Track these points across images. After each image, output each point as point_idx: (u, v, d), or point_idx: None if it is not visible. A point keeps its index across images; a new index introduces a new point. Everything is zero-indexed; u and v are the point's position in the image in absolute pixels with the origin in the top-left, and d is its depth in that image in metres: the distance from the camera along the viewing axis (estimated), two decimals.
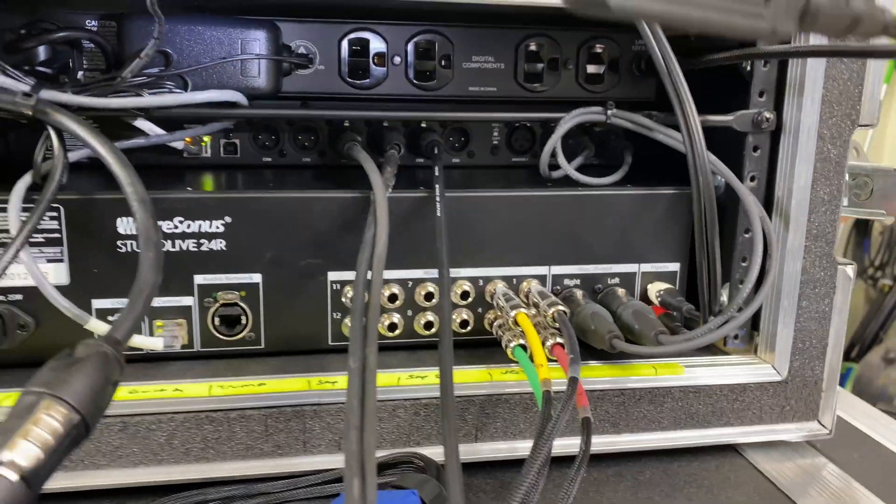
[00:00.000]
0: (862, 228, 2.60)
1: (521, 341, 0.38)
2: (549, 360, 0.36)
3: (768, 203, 0.41)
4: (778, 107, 0.40)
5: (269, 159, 0.49)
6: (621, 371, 0.40)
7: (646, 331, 0.38)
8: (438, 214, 0.38)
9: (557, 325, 0.38)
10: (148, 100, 0.37)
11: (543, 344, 0.37)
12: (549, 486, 0.38)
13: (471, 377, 0.39)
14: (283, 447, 0.37)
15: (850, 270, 0.42)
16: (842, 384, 1.73)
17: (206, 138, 0.47)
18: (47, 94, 0.36)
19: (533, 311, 0.39)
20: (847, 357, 2.45)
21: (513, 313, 0.38)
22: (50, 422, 0.24)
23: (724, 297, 0.44)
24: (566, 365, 0.35)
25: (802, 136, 0.39)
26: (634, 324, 0.39)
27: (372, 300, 0.32)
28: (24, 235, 0.33)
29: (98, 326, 0.36)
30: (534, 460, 0.29)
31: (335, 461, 0.38)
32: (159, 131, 0.41)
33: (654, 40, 0.33)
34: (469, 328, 0.42)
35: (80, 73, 0.42)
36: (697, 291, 0.42)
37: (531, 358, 0.36)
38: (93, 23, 0.42)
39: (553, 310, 0.38)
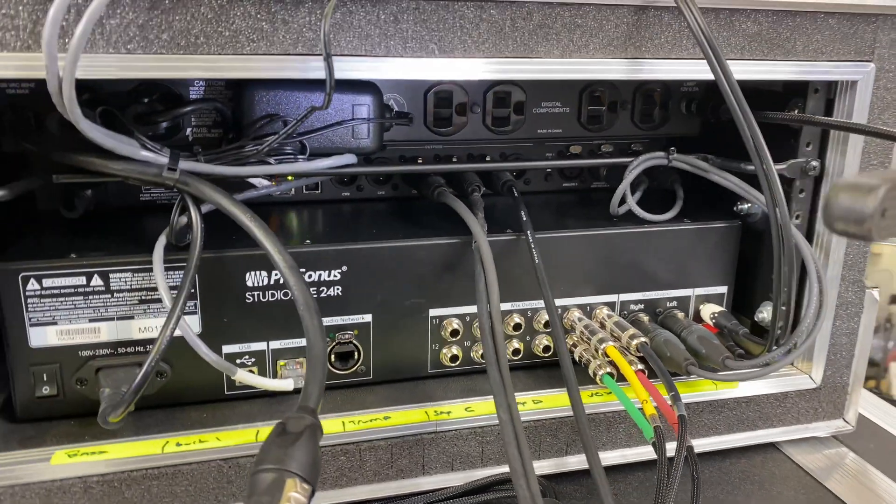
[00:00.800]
0: None
1: (609, 370, 0.44)
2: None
3: (809, 237, 0.47)
4: (821, 154, 0.46)
5: (348, 193, 0.52)
6: (688, 387, 0.46)
7: (713, 356, 0.44)
8: (537, 261, 0.43)
9: (641, 353, 0.44)
10: (278, 168, 0.40)
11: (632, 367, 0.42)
12: (635, 486, 0.44)
13: (563, 401, 0.44)
14: (405, 471, 0.42)
15: (876, 294, 0.48)
16: None
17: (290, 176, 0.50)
18: (186, 164, 0.38)
19: (613, 341, 0.45)
20: None
21: (602, 346, 0.43)
22: (299, 497, 0.28)
23: (765, 314, 0.50)
24: (659, 398, 0.40)
25: None
26: (701, 348, 0.45)
27: (499, 351, 0.37)
28: (180, 307, 0.37)
29: (244, 377, 0.40)
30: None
31: (450, 479, 0.43)
32: (267, 183, 0.44)
33: (742, 115, 0.37)
34: (550, 353, 0.47)
35: (188, 131, 0.44)
36: (743, 308, 0.49)
37: (624, 384, 0.42)
38: (200, 84, 0.44)
39: (636, 342, 0.44)
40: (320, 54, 0.34)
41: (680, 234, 0.48)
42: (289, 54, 0.35)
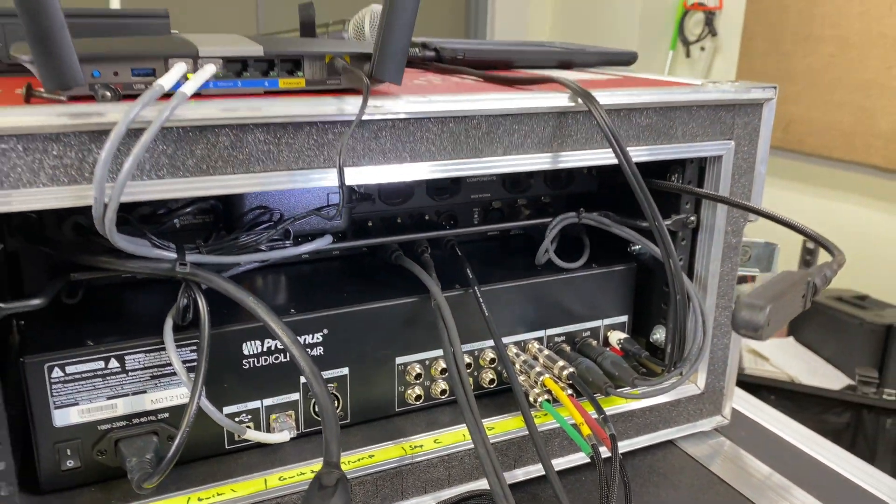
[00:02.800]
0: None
1: (546, 397, 0.54)
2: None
3: (689, 275, 0.59)
4: (697, 210, 0.58)
5: (307, 256, 0.59)
6: (603, 402, 0.57)
7: (625, 378, 0.55)
8: (486, 314, 0.52)
9: (570, 381, 0.54)
10: (271, 254, 0.47)
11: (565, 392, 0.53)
12: (571, 486, 0.54)
13: (514, 424, 0.54)
14: (387, 499, 0.50)
15: None
16: None
17: None
18: (191, 257, 0.44)
19: (548, 372, 0.54)
20: None
21: (541, 378, 0.53)
22: None
23: (658, 336, 0.62)
24: (590, 420, 0.51)
25: (716, 232, 0.57)
26: (615, 372, 0.56)
27: (466, 391, 0.46)
28: (201, 383, 0.43)
29: (251, 435, 0.47)
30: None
31: (424, 500, 0.51)
32: (250, 259, 0.51)
33: (639, 188, 0.48)
34: (494, 384, 0.57)
35: (175, 220, 0.50)
36: (638, 330, 0.60)
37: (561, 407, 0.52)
38: None
39: (566, 372, 0.54)
40: (319, 167, 0.42)
41: (590, 278, 0.59)
42: (292, 169, 0.42)
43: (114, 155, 0.36)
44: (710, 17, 2.74)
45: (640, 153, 0.52)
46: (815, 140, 2.33)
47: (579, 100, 0.48)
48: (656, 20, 2.87)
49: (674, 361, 0.56)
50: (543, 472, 0.48)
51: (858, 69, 2.18)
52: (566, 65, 0.73)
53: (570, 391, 0.53)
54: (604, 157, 0.50)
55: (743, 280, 2.52)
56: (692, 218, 0.58)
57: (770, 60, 2.45)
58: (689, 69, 2.91)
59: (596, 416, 0.51)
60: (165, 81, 0.38)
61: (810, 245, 2.49)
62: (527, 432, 0.53)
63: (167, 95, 0.37)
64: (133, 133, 0.36)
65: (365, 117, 0.42)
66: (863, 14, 2.15)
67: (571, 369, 0.54)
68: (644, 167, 0.50)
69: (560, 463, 0.56)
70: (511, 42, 0.75)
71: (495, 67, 0.69)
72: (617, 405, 0.58)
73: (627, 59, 0.75)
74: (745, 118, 0.55)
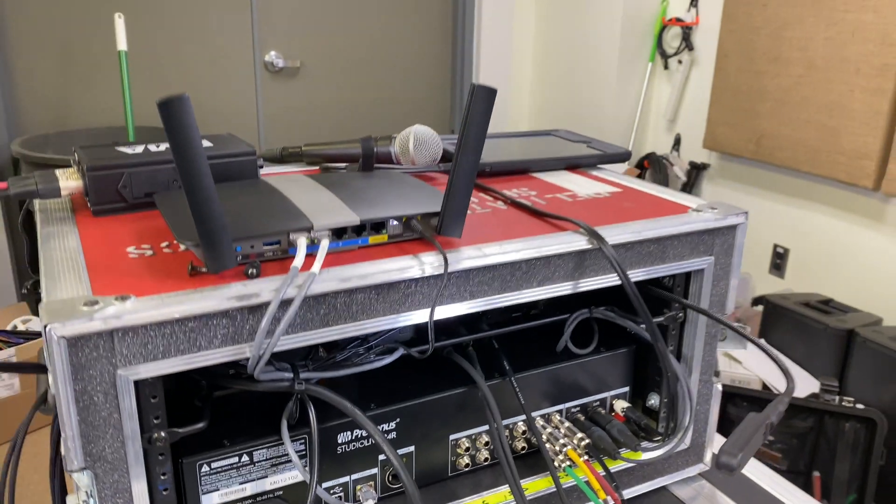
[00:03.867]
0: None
1: (569, 463, 0.68)
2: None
3: (678, 356, 0.74)
4: (685, 308, 0.73)
5: None
6: (613, 462, 0.72)
7: (629, 443, 0.70)
8: (522, 401, 0.66)
9: (587, 451, 0.68)
10: (362, 367, 0.61)
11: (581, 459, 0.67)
12: None
13: (543, 484, 0.68)
14: None
15: (719, 385, 0.76)
16: None
17: None
18: (305, 374, 0.58)
19: (569, 444, 0.69)
20: None
21: (565, 449, 0.68)
22: None
23: (653, 401, 0.77)
24: (605, 485, 0.65)
25: (698, 325, 0.72)
26: (621, 438, 0.71)
27: (509, 461, 0.61)
28: (316, 473, 0.57)
29: None
30: None
31: None
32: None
33: (639, 304, 0.62)
34: (525, 450, 0.71)
35: None
36: (637, 394, 0.75)
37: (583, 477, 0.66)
38: None
39: (583, 443, 0.68)
40: (406, 311, 0.56)
41: (599, 360, 0.73)
42: (387, 315, 0.55)
43: (269, 324, 0.49)
44: (687, 32, 2.88)
45: (639, 273, 0.66)
46: (784, 154, 2.49)
47: (594, 241, 0.62)
48: (636, 33, 3.01)
49: (668, 423, 0.71)
50: None
51: (823, 90, 2.34)
52: (573, 166, 0.87)
53: (585, 457, 0.68)
54: (612, 280, 0.65)
55: None
56: (680, 314, 0.72)
57: (743, 77, 2.60)
58: (667, 80, 3.06)
59: (604, 474, 0.66)
60: (298, 262, 0.52)
61: (780, 250, 2.67)
62: (553, 489, 0.68)
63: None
64: (281, 304, 0.50)
65: (440, 271, 0.56)
66: (828, 39, 2.31)
67: (588, 441, 0.69)
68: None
69: None
70: (525, 151, 0.89)
71: (516, 172, 0.83)
72: (621, 463, 0.72)
73: (622, 157, 0.89)
74: (722, 238, 0.70)
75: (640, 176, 3.11)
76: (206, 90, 3.08)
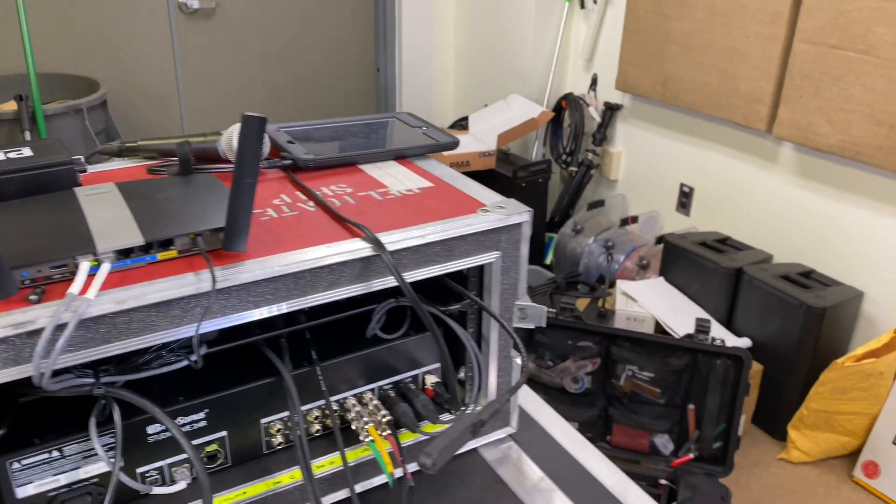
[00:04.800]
0: (556, 121, 3.22)
1: (371, 438, 0.76)
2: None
3: (478, 337, 0.82)
4: (481, 295, 0.80)
5: None
6: (426, 428, 0.80)
7: (431, 416, 0.78)
8: (323, 389, 0.74)
9: (388, 429, 0.77)
10: (161, 370, 0.67)
11: (381, 435, 0.75)
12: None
13: (351, 456, 0.77)
14: None
15: (519, 360, 0.85)
16: (546, 251, 2.44)
17: None
18: (108, 378, 0.64)
19: (373, 421, 0.77)
20: (550, 229, 3.13)
21: (365, 427, 0.76)
22: None
23: (462, 375, 0.85)
24: (396, 454, 0.74)
25: (493, 309, 0.80)
26: (423, 412, 0.79)
27: (304, 447, 0.69)
28: (118, 464, 0.64)
29: (157, 490, 0.68)
30: None
31: None
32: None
33: (418, 306, 0.69)
34: (341, 426, 0.79)
35: None
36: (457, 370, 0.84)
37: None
38: None
39: (385, 420, 0.77)
40: (186, 324, 0.62)
41: (409, 343, 0.81)
42: (168, 329, 0.61)
43: (44, 347, 0.55)
44: None
45: (429, 271, 0.73)
46: (688, 97, 2.56)
47: (376, 248, 0.68)
48: None
49: (474, 394, 0.80)
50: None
51: (723, 35, 2.40)
52: (402, 157, 0.93)
53: (388, 431, 0.76)
54: (390, 281, 0.71)
55: (626, 222, 2.78)
56: (475, 306, 0.80)
57: (652, 20, 2.64)
58: (584, 19, 3.08)
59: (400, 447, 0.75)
60: (74, 288, 0.57)
61: (686, 189, 2.78)
62: (359, 461, 0.77)
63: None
64: (57, 327, 0.56)
65: (218, 285, 0.62)
66: None
67: (389, 417, 0.77)
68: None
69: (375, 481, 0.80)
70: (352, 143, 0.93)
71: (344, 165, 0.88)
72: (432, 431, 0.81)
73: (450, 145, 0.94)
74: (508, 234, 0.77)
75: (558, 117, 3.17)
76: (119, 36, 3.01)
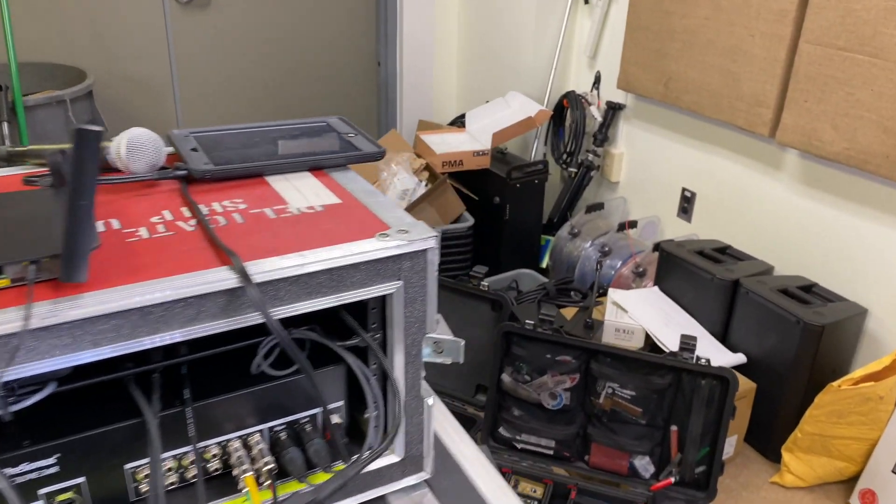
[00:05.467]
0: (558, 120, 3.11)
1: (247, 489, 0.68)
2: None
3: (383, 375, 0.73)
4: (383, 328, 0.71)
5: None
6: (315, 479, 0.72)
7: (322, 463, 0.70)
8: (192, 434, 0.66)
9: (269, 479, 0.68)
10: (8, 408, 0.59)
11: (261, 486, 0.67)
12: None
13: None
14: None
15: (431, 400, 0.76)
16: (542, 254, 2.35)
17: None
18: None
19: (252, 469, 0.69)
20: (547, 231, 3.03)
21: (242, 477, 0.68)
22: None
23: (367, 416, 0.77)
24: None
25: (396, 345, 0.71)
26: (315, 458, 0.71)
27: (159, 494, 0.61)
28: None
29: None
30: None
31: None
32: None
33: (291, 349, 0.61)
34: (220, 472, 0.71)
35: None
36: (356, 410, 0.75)
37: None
38: None
39: (266, 469, 0.68)
40: (13, 365, 0.54)
41: (300, 382, 0.73)
42: None
43: None
44: None
45: (313, 304, 0.64)
46: (689, 98, 2.45)
47: (242, 279, 0.60)
48: None
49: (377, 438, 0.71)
50: None
51: (727, 34, 2.28)
52: (317, 168, 0.84)
53: (269, 481, 0.68)
54: (277, 314, 0.63)
55: (623, 227, 2.68)
56: (378, 335, 0.71)
57: (655, 16, 2.52)
58: (588, 15, 2.97)
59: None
60: None
61: (688, 194, 2.66)
62: None
63: None
64: None
65: (46, 323, 0.54)
66: None
67: (272, 465, 0.69)
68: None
69: None
70: (265, 151, 0.85)
71: (249, 176, 0.80)
72: (316, 482, 0.73)
73: (375, 156, 0.85)
74: (411, 262, 0.68)
75: (560, 116, 3.06)
76: (112, 23, 2.95)
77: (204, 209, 0.72)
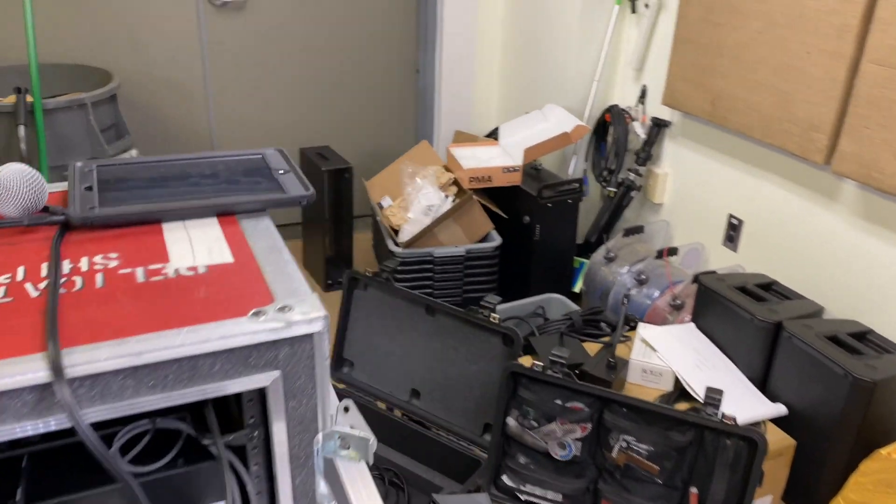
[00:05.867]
0: (601, 135, 2.94)
1: None
2: None
3: (269, 478, 0.61)
4: (265, 423, 0.58)
5: None
6: None
7: None
8: None
9: None
10: None
11: None
12: None
13: None
14: None
15: None
16: (575, 278, 2.16)
17: None
18: None
19: None
20: (582, 252, 2.86)
21: None
22: None
23: None
24: None
25: (277, 445, 0.58)
26: None
27: None
28: None
29: None
30: None
31: None
32: None
33: (98, 451, 0.49)
34: None
35: None
36: None
37: None
38: None
39: None
40: None
41: (177, 477, 0.60)
42: None
43: None
44: None
45: (158, 400, 0.52)
46: (737, 118, 2.25)
47: (53, 374, 0.48)
48: None
49: None
50: None
51: (780, 50, 2.08)
52: (228, 213, 0.72)
53: None
54: (102, 415, 0.51)
55: (661, 254, 2.50)
56: (255, 433, 0.58)
57: (704, 29, 2.33)
58: (635, 24, 2.79)
59: None
60: None
61: (734, 221, 2.47)
62: None
63: None
64: None
65: None
66: None
67: None
68: None
69: None
70: (172, 192, 0.73)
71: (144, 223, 0.68)
72: None
73: (299, 201, 0.73)
74: (291, 349, 0.55)
75: (603, 131, 2.88)
76: (144, 27, 2.92)
77: (67, 266, 0.61)
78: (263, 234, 0.68)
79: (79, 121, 2.40)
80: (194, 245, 0.66)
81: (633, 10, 2.75)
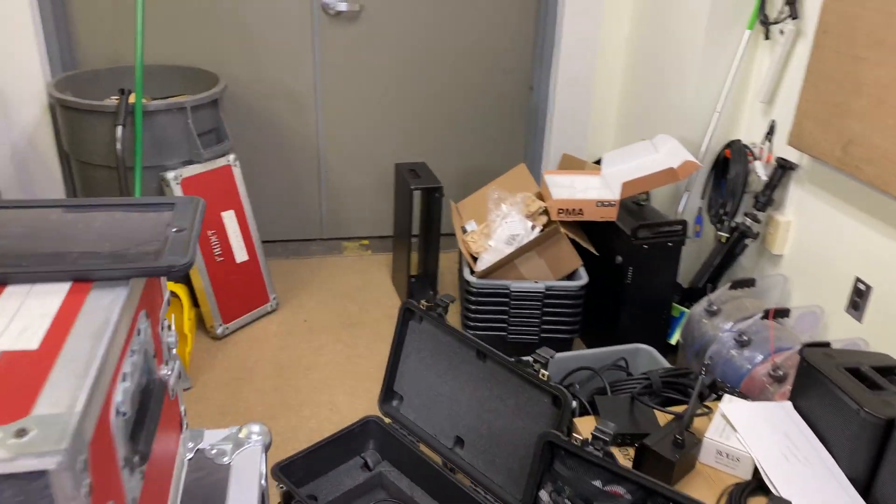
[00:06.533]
0: (721, 171, 2.66)
1: None
2: None
3: None
4: None
5: None
6: None
7: None
8: None
9: None
10: None
11: None
12: None
13: None
14: None
15: None
16: (673, 328, 1.92)
17: None
18: None
19: None
20: (686, 299, 2.60)
21: None
22: None
23: None
24: None
25: None
26: None
27: None
28: None
29: None
30: None
31: None
32: None
33: None
34: None
35: None
36: None
37: None
38: None
39: None
40: None
41: None
42: None
43: None
44: None
45: None
46: (871, 169, 1.92)
47: None
48: None
49: None
50: None
51: None
52: (83, 278, 0.62)
53: None
54: None
55: (767, 315, 2.20)
56: None
57: (842, 62, 2.02)
58: (769, 53, 2.48)
59: None
60: None
61: (861, 286, 2.14)
62: None
63: None
64: None
65: None
66: None
67: None
68: None
69: None
70: (34, 247, 0.64)
71: None
72: None
73: (164, 271, 0.62)
74: (17, 489, 0.43)
75: (723, 167, 2.59)
76: (259, 34, 2.97)
77: None
78: (102, 312, 0.58)
79: (178, 123, 2.45)
80: (14, 321, 0.56)
81: (767, 37, 2.45)
